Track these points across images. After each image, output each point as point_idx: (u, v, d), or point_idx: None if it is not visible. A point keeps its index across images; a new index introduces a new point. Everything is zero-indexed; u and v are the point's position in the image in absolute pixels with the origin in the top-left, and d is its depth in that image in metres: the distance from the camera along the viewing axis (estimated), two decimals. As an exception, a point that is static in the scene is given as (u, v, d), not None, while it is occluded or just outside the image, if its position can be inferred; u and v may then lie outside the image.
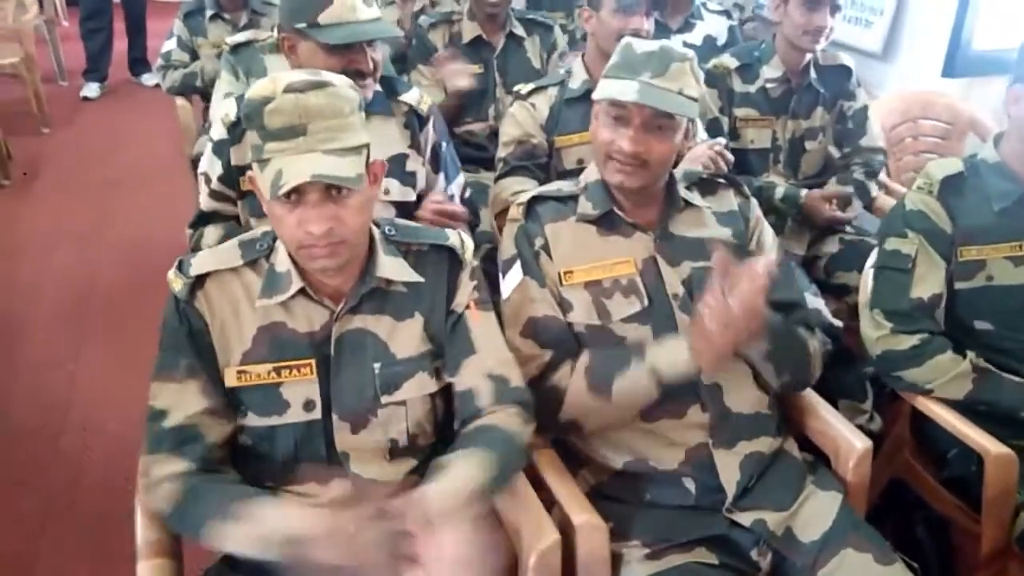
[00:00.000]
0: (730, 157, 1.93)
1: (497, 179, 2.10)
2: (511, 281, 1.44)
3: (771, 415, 1.45)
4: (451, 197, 1.86)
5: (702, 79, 1.39)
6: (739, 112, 2.35)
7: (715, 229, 1.47)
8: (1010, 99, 1.56)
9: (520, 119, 2.10)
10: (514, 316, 1.42)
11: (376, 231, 1.25)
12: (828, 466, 1.47)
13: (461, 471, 1.13)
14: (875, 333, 1.60)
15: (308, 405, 1.19)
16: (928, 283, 1.58)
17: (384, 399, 1.22)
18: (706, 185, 1.52)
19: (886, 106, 2.78)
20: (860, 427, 1.98)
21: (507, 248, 1.48)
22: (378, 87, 1.69)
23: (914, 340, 1.56)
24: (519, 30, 2.74)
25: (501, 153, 2.11)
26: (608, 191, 1.43)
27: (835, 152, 2.47)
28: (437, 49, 2.65)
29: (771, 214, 2.24)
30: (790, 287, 1.51)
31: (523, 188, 1.94)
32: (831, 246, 2.32)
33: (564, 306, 1.41)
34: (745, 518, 1.34)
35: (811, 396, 1.55)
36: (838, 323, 2.12)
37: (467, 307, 1.29)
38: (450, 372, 1.28)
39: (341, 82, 1.13)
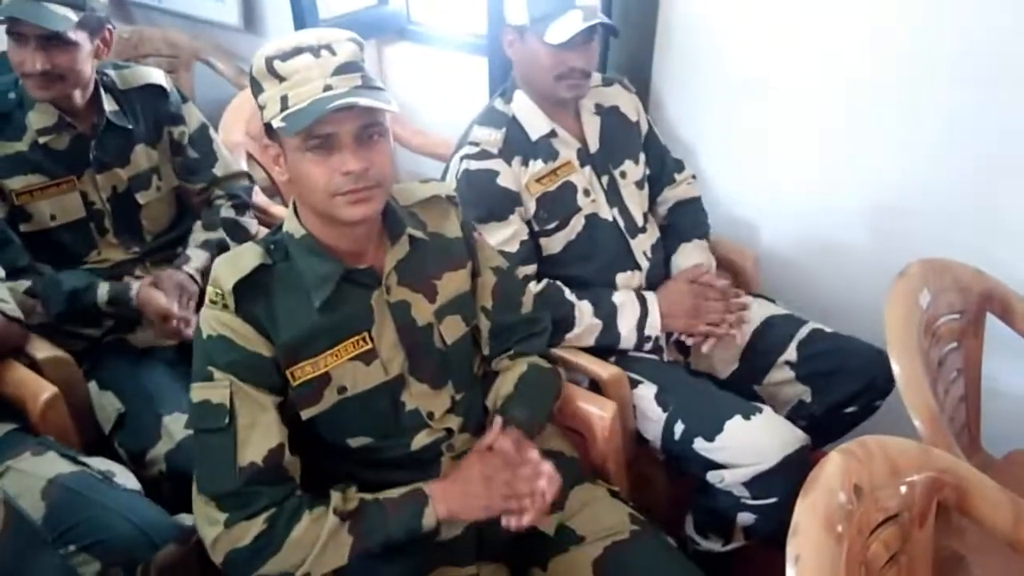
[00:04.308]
0: None
1: None
2: None
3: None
4: None
5: None
6: (13, 183, 1.63)
7: None
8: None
9: None
10: None
11: None
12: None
13: None
14: (211, 532, 1.09)
15: None
16: (260, 437, 1.10)
17: None
18: None
19: (244, 108, 2.28)
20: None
21: None
22: None
23: (259, 525, 1.08)
24: None
25: None
26: None
27: (192, 187, 1.90)
28: None
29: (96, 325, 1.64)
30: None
31: None
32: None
33: None
34: None
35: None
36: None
37: None
38: None
39: None
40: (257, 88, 1.09)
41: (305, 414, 1.16)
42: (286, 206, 2.13)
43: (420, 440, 1.23)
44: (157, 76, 1.82)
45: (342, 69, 1.06)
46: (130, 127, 1.74)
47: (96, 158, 1.70)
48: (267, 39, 2.86)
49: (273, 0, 2.74)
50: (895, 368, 1.25)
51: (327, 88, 1.04)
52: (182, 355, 1.70)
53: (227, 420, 1.09)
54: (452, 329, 1.27)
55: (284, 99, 1.05)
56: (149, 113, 1.79)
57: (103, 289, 1.61)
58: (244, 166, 2.03)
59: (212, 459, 1.10)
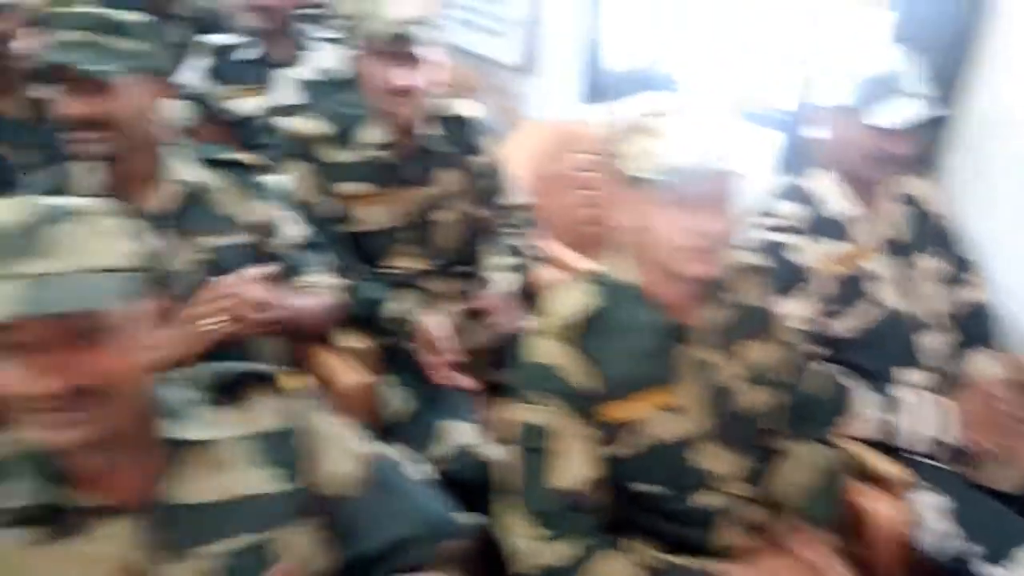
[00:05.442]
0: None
1: None
2: None
3: None
4: None
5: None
6: (343, 188, 1.82)
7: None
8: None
9: None
10: None
11: None
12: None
13: None
14: (525, 545, 1.17)
15: None
16: (579, 464, 1.17)
17: None
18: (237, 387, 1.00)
19: (528, 144, 2.41)
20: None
21: None
22: None
23: (577, 550, 1.15)
24: None
25: None
26: None
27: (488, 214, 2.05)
28: None
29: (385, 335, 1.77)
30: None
31: None
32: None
33: None
34: None
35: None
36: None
37: None
38: None
39: None
40: (626, 139, 1.15)
41: (604, 453, 1.21)
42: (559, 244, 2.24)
43: (703, 499, 1.25)
44: (469, 108, 1.97)
45: (708, 134, 1.12)
46: (441, 151, 1.90)
47: (409, 176, 1.87)
48: (544, 80, 3.05)
49: (555, 44, 2.89)
50: None
51: (696, 149, 1.10)
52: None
53: (548, 443, 1.16)
54: (754, 398, 1.28)
55: (656, 153, 1.11)
56: (457, 140, 1.94)
57: (394, 306, 1.76)
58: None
59: (534, 477, 1.18)
